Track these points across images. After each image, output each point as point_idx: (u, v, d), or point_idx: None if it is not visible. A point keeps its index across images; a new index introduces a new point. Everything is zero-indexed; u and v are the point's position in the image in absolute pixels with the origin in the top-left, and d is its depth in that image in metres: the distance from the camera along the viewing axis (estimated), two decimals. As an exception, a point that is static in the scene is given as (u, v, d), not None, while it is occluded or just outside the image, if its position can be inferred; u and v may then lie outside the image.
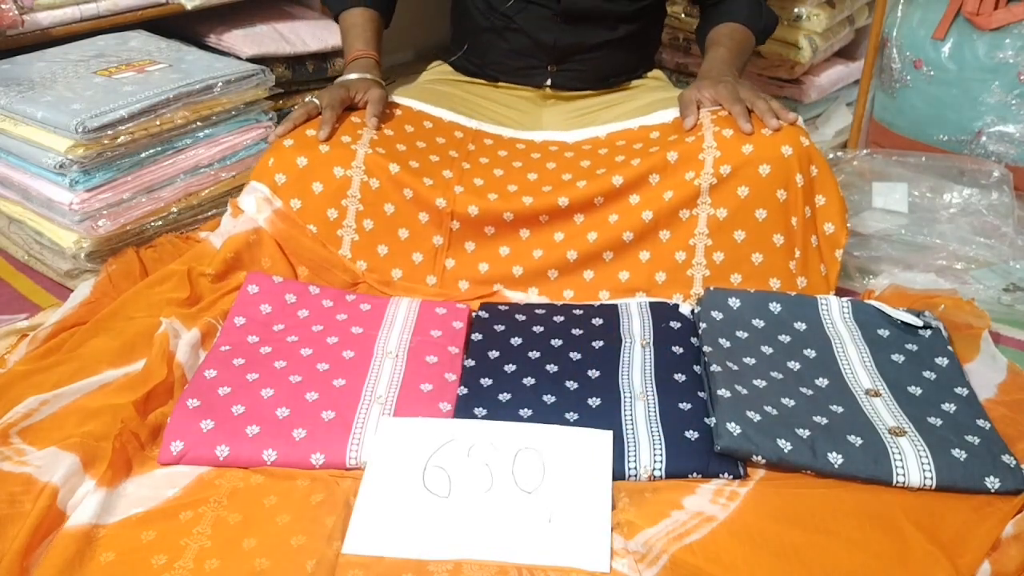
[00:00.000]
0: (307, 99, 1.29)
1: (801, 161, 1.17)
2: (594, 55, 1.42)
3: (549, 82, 1.45)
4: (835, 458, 0.90)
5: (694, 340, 1.11)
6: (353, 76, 1.35)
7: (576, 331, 1.13)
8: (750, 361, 1.06)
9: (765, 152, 1.17)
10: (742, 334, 1.11)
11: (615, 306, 1.18)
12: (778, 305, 1.15)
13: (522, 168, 1.29)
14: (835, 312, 1.15)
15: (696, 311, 1.15)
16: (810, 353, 1.09)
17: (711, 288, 1.17)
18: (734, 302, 1.15)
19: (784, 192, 1.17)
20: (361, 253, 1.23)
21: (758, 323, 1.13)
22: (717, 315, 1.13)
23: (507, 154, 1.33)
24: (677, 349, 1.09)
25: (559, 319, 1.16)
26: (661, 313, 1.16)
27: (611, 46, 1.42)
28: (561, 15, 1.38)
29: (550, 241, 1.22)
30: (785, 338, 1.11)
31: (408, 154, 1.25)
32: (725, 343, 1.08)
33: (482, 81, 1.49)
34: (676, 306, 1.18)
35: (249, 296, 1.15)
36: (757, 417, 0.94)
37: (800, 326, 1.13)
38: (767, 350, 1.09)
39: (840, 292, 1.27)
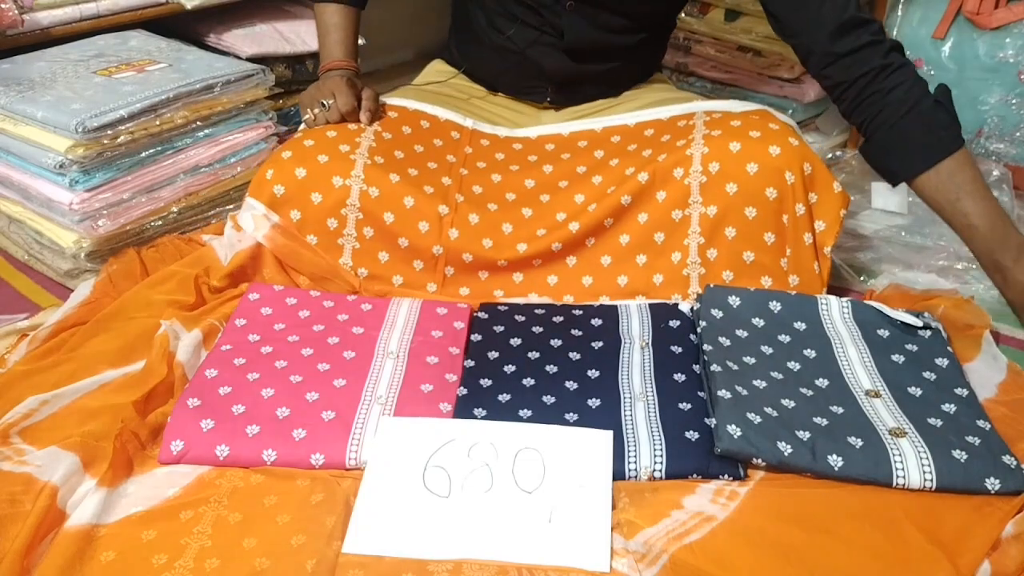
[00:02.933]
0: (320, 103, 1.28)
1: (791, 159, 1.17)
2: (596, 78, 1.43)
3: (549, 99, 1.45)
4: (835, 461, 0.90)
5: (692, 338, 1.11)
6: (336, 77, 1.32)
7: (575, 332, 1.13)
8: (750, 360, 1.06)
9: (752, 151, 1.17)
10: (742, 332, 1.11)
11: (615, 307, 1.19)
12: (778, 304, 1.15)
13: (519, 172, 1.30)
14: (835, 312, 1.15)
15: (696, 308, 1.15)
16: (810, 353, 1.09)
17: (711, 285, 1.17)
18: (734, 300, 1.15)
19: (774, 191, 1.17)
20: (362, 260, 1.23)
21: (758, 322, 1.13)
22: (717, 313, 1.13)
23: (504, 157, 1.33)
24: (676, 349, 1.09)
25: (558, 319, 1.16)
26: (660, 313, 1.16)
27: (614, 71, 1.43)
28: (566, 51, 1.37)
29: (548, 250, 1.22)
30: (785, 338, 1.11)
31: (406, 161, 1.25)
32: (725, 341, 1.08)
33: (481, 88, 1.49)
34: (676, 305, 1.18)
35: (250, 302, 1.15)
36: (757, 419, 0.94)
37: (800, 326, 1.13)
38: (767, 350, 1.09)
39: (840, 292, 1.26)
